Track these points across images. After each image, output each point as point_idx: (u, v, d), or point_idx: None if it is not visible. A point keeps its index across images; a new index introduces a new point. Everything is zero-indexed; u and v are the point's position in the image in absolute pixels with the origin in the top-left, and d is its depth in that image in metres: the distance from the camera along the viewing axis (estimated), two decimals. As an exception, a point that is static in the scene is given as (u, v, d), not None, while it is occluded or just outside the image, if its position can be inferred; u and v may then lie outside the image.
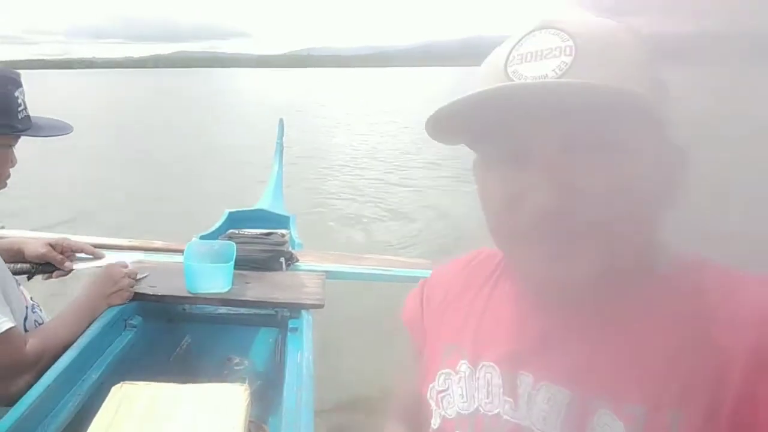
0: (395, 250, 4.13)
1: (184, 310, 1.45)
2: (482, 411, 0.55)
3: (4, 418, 0.91)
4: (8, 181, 1.14)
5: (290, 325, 1.29)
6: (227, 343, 1.46)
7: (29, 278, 1.41)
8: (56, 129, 1.18)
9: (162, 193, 6.22)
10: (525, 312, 0.56)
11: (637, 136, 0.45)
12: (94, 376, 1.11)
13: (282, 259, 1.57)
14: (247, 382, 1.11)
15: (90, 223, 4.42)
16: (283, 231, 1.74)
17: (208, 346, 1.41)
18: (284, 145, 3.49)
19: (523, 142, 0.47)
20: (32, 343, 1.05)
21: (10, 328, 0.99)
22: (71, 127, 1.21)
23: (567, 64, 0.44)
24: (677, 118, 0.47)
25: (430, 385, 0.62)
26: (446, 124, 0.49)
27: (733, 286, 0.46)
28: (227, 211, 2.21)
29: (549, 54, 0.45)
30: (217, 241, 1.53)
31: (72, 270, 1.39)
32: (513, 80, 0.46)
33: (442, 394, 0.60)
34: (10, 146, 1.09)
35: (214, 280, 1.34)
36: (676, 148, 0.49)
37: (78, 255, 1.42)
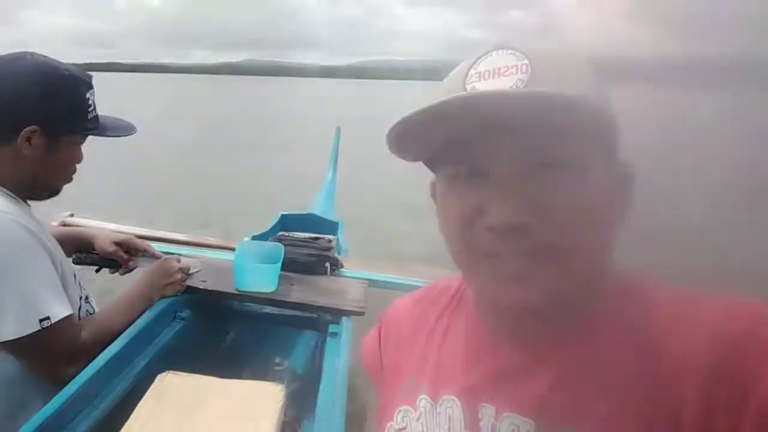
0: (441, 262, 4.09)
1: (231, 306, 1.49)
2: None
3: (56, 396, 0.96)
4: (75, 176, 1.20)
5: (330, 330, 1.30)
6: (269, 343, 1.49)
7: (97, 271, 1.50)
8: (122, 129, 1.24)
9: (220, 191, 6.50)
10: (483, 343, 0.55)
11: (595, 149, 0.46)
12: (142, 363, 1.17)
13: (327, 264, 1.59)
14: (285, 382, 1.13)
15: (151, 216, 4.65)
16: (331, 237, 1.76)
17: (251, 343, 1.45)
18: (339, 152, 3.55)
19: (483, 156, 0.46)
20: (88, 330, 1.11)
21: (68, 316, 1.05)
22: (135, 128, 1.28)
23: (523, 81, 0.44)
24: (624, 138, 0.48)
25: (388, 424, 0.61)
26: (406, 139, 0.48)
27: (686, 307, 0.46)
28: (280, 213, 2.26)
29: (506, 71, 0.45)
30: (266, 242, 1.57)
31: (135, 267, 1.48)
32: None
33: (402, 430, 0.58)
34: (79, 144, 1.16)
35: (262, 279, 1.38)
36: (626, 165, 0.50)
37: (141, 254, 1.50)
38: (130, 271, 1.49)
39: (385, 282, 1.63)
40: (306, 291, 1.43)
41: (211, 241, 1.83)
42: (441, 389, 0.56)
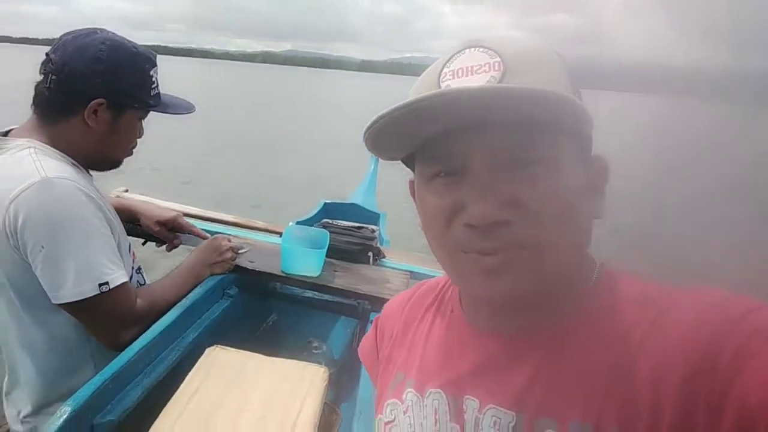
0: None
1: (275, 288, 1.53)
2: None
3: (113, 362, 1.01)
4: (135, 150, 1.26)
5: (371, 318, 1.32)
6: (309, 326, 1.53)
7: (144, 243, 1.57)
8: (182, 108, 1.29)
9: (265, 177, 6.66)
10: (466, 337, 0.56)
11: (569, 143, 0.47)
12: (191, 336, 1.21)
13: (370, 254, 1.61)
14: (323, 365, 1.16)
15: (200, 195, 4.80)
16: (374, 227, 1.78)
17: (292, 325, 1.48)
18: None
19: (459, 154, 0.47)
20: (142, 298, 1.16)
21: (125, 282, 1.09)
22: (194, 107, 1.32)
23: (497, 78, 0.45)
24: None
25: (378, 417, 0.62)
26: (381, 136, 0.49)
27: (665, 301, 0.46)
28: (323, 201, 2.30)
29: (479, 69, 0.46)
30: (312, 227, 1.60)
31: (180, 244, 1.54)
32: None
33: (390, 425, 0.60)
34: (140, 119, 1.21)
35: (307, 264, 1.41)
36: (599, 157, 0.51)
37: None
38: (175, 247, 1.55)
39: (425, 275, 1.64)
40: (348, 278, 1.45)
41: (257, 223, 1.87)
42: (427, 383, 0.57)
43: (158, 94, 1.21)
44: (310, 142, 10.21)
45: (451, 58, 0.48)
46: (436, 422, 0.55)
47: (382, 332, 0.70)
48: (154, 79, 1.19)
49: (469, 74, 0.46)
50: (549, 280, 0.47)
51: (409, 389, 0.59)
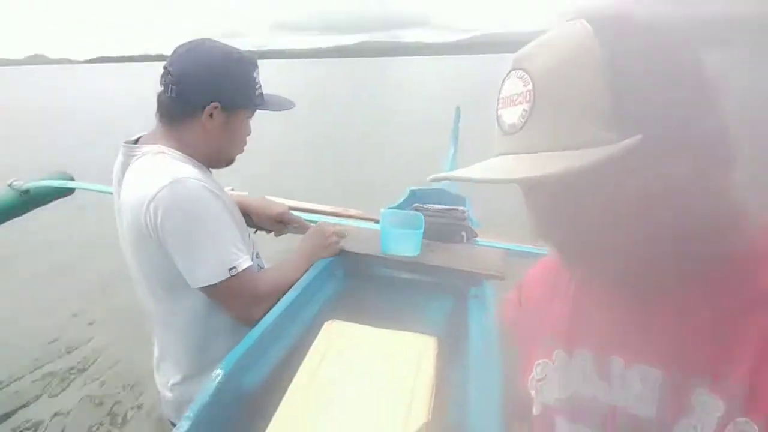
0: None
1: (375, 270, 1.62)
2: (579, 395, 0.58)
3: (248, 334, 1.12)
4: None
5: (471, 293, 1.37)
6: (410, 305, 1.60)
7: (255, 232, 1.72)
8: (283, 105, 1.39)
9: (351, 168, 6.99)
10: (611, 300, 0.59)
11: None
12: (309, 312, 1.32)
13: (463, 233, 1.65)
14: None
15: (294, 188, 5.10)
16: (463, 208, 1.82)
17: (394, 303, 1.56)
18: (459, 131, 3.59)
19: None
20: (264, 281, 1.28)
21: (250, 266, 1.22)
22: (294, 103, 1.42)
23: (527, 111, 0.48)
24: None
25: (530, 376, 0.66)
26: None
27: None
28: (410, 188, 2.37)
29: (516, 100, 0.49)
30: (406, 211, 1.67)
31: (286, 232, 1.70)
32: (500, 126, 0.52)
33: (541, 382, 0.64)
34: (248, 118, 1.32)
35: (406, 244, 1.49)
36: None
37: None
38: (283, 233, 1.70)
39: (520, 251, 1.66)
40: (445, 256, 1.51)
41: (351, 212, 1.98)
42: (574, 343, 0.61)
43: (262, 93, 1.32)
44: (393, 129, 10.59)
45: (503, 80, 0.53)
46: (583, 379, 0.58)
47: (527, 298, 0.75)
48: (257, 80, 1.30)
49: (510, 104, 0.51)
50: (686, 253, 0.49)
51: (559, 350, 0.63)
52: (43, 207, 2.37)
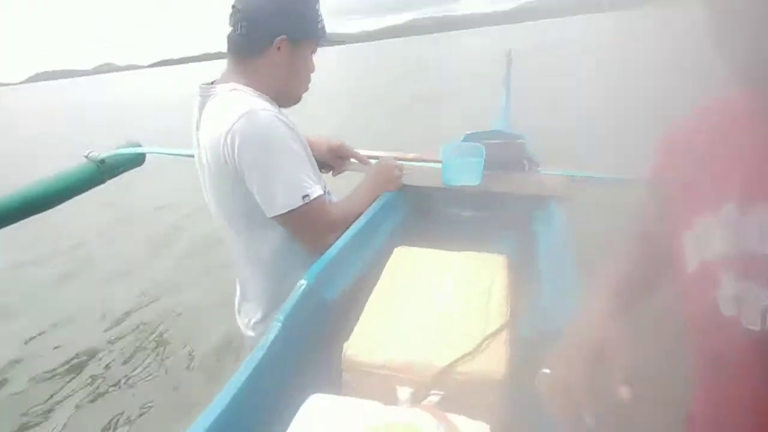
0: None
1: (438, 200, 1.64)
2: (752, 251, 0.53)
3: (319, 260, 1.18)
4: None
5: (537, 216, 1.38)
6: (475, 230, 1.61)
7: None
8: (334, 41, 1.41)
9: (405, 122, 7.45)
10: None
11: None
12: (378, 240, 1.38)
13: (525, 161, 1.64)
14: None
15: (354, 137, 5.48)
16: (522, 140, 1.81)
17: (459, 231, 1.58)
18: (511, 76, 3.51)
19: None
20: (338, 209, 1.33)
21: (322, 194, 1.26)
22: (344, 41, 1.45)
23: None
24: None
25: (687, 233, 0.61)
26: None
27: None
28: (465, 134, 2.35)
29: None
30: (466, 143, 1.68)
31: (345, 170, 1.72)
32: None
33: (703, 238, 0.59)
34: (312, 53, 1.36)
35: (468, 173, 1.50)
36: None
37: (351, 160, 1.73)
38: (341, 172, 1.74)
39: (585, 177, 1.63)
40: (509, 183, 1.52)
41: (410, 155, 2.00)
42: (748, 198, 0.55)
43: (324, 26, 1.35)
44: (446, 99, 11.13)
45: None
46: (760, 234, 0.54)
47: (674, 152, 0.69)
48: (320, 12, 1.33)
49: None
50: None
51: (728, 204, 0.57)
52: (118, 178, 2.50)
